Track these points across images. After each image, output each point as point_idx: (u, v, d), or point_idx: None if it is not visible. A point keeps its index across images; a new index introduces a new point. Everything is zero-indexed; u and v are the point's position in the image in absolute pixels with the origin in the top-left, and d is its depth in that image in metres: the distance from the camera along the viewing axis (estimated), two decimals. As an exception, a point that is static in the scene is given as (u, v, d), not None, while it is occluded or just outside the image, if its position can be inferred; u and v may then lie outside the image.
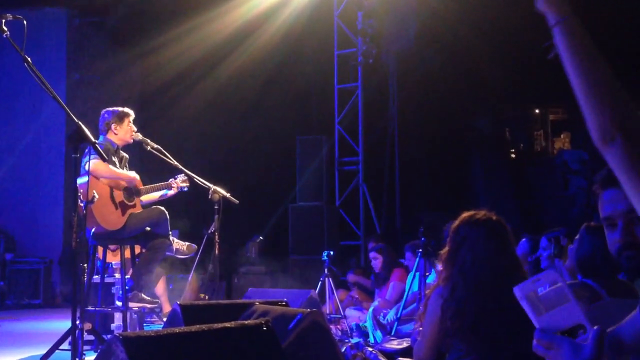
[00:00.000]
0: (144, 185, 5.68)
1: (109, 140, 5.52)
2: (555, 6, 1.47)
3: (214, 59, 11.47)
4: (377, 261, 7.62)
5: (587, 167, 11.57)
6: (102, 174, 5.26)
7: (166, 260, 7.13)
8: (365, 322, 6.92)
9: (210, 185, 5.70)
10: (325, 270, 7.45)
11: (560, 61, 1.45)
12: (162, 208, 5.51)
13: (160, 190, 5.77)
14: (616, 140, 1.37)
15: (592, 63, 1.42)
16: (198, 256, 7.45)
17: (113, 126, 5.52)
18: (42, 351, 4.42)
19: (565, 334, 1.41)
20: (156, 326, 6.77)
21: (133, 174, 5.51)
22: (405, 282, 6.90)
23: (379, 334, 6.52)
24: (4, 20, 3.93)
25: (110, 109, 5.62)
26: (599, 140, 1.39)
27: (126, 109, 5.64)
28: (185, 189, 5.82)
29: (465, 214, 3.12)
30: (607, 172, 1.58)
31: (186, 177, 5.77)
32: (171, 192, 5.81)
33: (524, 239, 6.07)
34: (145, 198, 5.72)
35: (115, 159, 5.51)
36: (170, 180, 5.80)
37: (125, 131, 5.56)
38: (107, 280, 6.10)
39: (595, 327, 1.36)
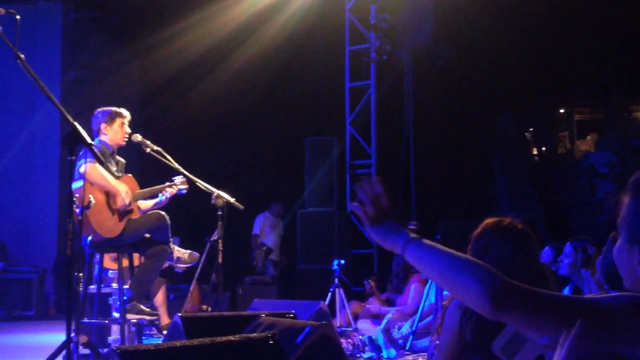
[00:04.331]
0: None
1: (104, 143, 5.48)
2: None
3: (218, 56, 11.51)
4: None
5: (616, 171, 11.51)
6: (94, 180, 5.18)
7: (166, 269, 7.15)
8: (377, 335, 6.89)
9: (214, 190, 5.68)
10: (336, 280, 7.43)
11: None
12: (163, 213, 5.46)
13: (155, 193, 5.71)
14: (497, 310, 1.44)
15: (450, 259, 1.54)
16: (200, 265, 7.46)
17: (102, 126, 5.46)
18: (35, 366, 4.44)
19: None
20: (156, 339, 6.78)
21: (122, 199, 5.29)
22: (426, 285, 6.87)
23: (392, 352, 6.48)
24: (-4, 15, 3.96)
25: (104, 109, 5.58)
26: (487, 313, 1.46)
27: (119, 109, 5.58)
28: (184, 191, 5.76)
29: (489, 220, 3.11)
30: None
31: (185, 179, 5.72)
32: (171, 191, 5.70)
33: (547, 247, 6.07)
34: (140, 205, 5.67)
35: (112, 164, 5.50)
36: (167, 183, 5.75)
37: (116, 132, 5.50)
38: (104, 290, 6.10)
39: None
